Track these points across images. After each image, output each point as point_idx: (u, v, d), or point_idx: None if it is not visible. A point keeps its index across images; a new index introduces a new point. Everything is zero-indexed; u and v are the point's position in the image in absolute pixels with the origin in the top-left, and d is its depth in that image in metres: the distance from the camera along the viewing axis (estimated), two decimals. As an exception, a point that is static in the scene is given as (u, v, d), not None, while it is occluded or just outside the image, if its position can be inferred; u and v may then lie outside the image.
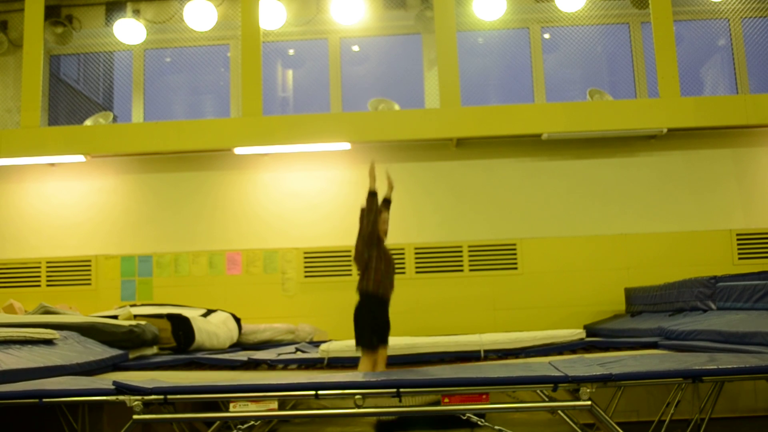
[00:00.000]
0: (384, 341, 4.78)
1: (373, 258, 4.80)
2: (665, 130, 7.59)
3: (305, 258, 7.84)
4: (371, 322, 4.73)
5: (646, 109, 7.63)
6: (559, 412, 3.56)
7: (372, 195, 4.91)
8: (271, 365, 5.31)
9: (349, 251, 7.73)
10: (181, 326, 6.15)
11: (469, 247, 7.82)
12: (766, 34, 8.54)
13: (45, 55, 8.30)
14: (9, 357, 4.06)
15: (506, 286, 7.71)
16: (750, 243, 7.69)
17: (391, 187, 5.13)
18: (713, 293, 5.48)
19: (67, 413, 3.98)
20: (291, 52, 9.07)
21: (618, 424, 3.17)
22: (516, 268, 7.76)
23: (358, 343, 4.74)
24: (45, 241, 8.03)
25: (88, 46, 8.96)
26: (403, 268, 7.75)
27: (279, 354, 5.75)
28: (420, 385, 3.18)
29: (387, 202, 5.09)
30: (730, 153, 7.91)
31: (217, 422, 3.68)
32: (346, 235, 7.94)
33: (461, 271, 7.78)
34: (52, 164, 8.08)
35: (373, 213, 4.85)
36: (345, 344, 5.52)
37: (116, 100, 9.23)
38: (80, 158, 7.90)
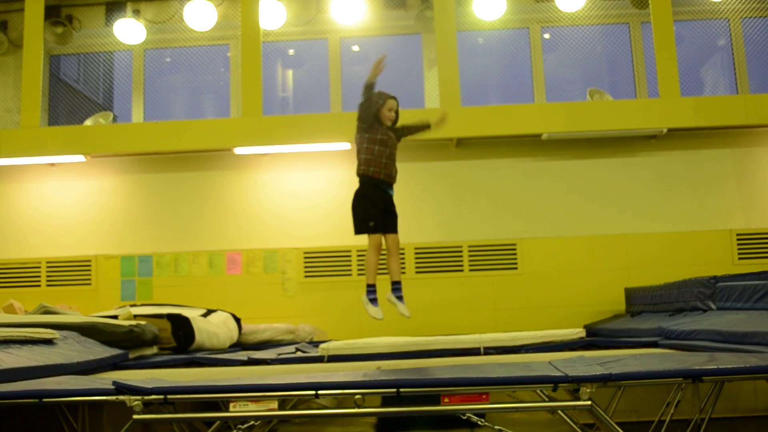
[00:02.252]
0: (387, 227, 4.75)
1: (365, 139, 4.77)
2: (665, 130, 7.59)
3: (305, 258, 7.83)
4: (365, 203, 4.77)
5: (646, 109, 7.63)
6: (559, 412, 3.56)
7: (369, 87, 4.81)
8: (271, 365, 5.31)
9: (349, 251, 7.78)
10: (181, 326, 6.15)
11: (469, 247, 7.82)
12: (766, 34, 8.54)
13: (45, 55, 8.30)
14: (9, 356, 4.06)
15: (506, 286, 7.70)
16: (750, 243, 7.69)
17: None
18: (713, 293, 5.48)
19: (67, 413, 3.98)
20: (291, 52, 9.07)
21: (618, 424, 3.17)
22: (516, 268, 7.76)
23: (356, 230, 4.78)
24: (45, 241, 8.03)
25: (88, 46, 8.96)
26: (403, 268, 7.75)
27: (279, 354, 5.75)
28: (420, 385, 3.18)
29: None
30: (730, 153, 7.91)
31: (217, 422, 3.68)
32: (346, 235, 7.90)
33: (461, 271, 7.78)
34: (52, 164, 8.08)
35: (368, 102, 4.75)
36: (345, 343, 5.53)
37: (116, 100, 9.23)
38: (80, 158, 7.90)
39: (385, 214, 4.74)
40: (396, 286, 4.92)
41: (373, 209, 4.73)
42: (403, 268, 7.73)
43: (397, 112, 4.92)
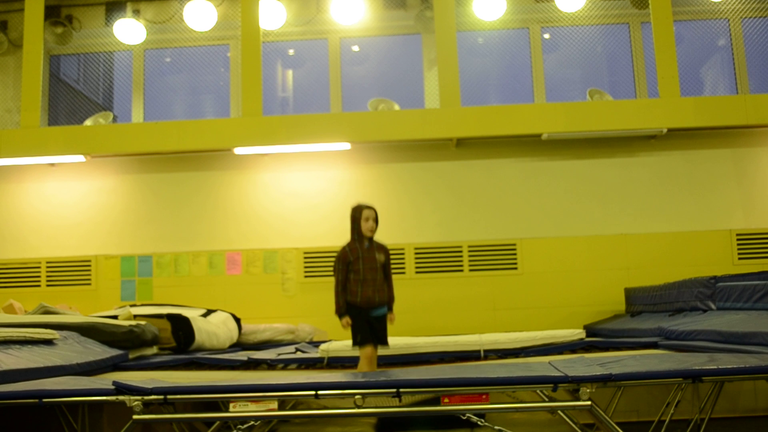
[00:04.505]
0: (372, 341, 4.83)
1: (340, 279, 4.96)
2: (665, 130, 7.59)
3: (305, 258, 7.84)
4: (353, 321, 4.93)
5: (646, 109, 7.63)
6: (559, 412, 3.56)
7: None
8: (271, 365, 5.31)
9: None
10: (181, 326, 6.15)
11: (469, 247, 7.82)
12: (766, 34, 8.54)
13: (45, 55, 8.30)
14: (9, 357, 4.06)
15: (506, 286, 7.70)
16: (750, 243, 7.69)
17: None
18: (713, 293, 5.48)
19: (67, 413, 3.98)
20: (291, 52, 9.07)
21: (618, 424, 3.17)
22: (516, 268, 7.76)
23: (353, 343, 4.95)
24: (45, 241, 8.03)
25: (88, 46, 8.96)
26: (403, 268, 7.75)
27: (279, 354, 5.75)
28: (420, 385, 3.18)
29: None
30: (730, 153, 7.91)
31: (217, 422, 3.68)
32: (346, 235, 7.93)
33: (461, 271, 7.78)
34: (52, 164, 8.08)
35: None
36: (345, 344, 5.53)
37: (116, 100, 9.23)
38: (80, 158, 7.90)
39: (371, 330, 4.81)
40: None
41: (360, 325, 4.82)
42: (404, 268, 7.74)
43: (376, 220, 4.95)
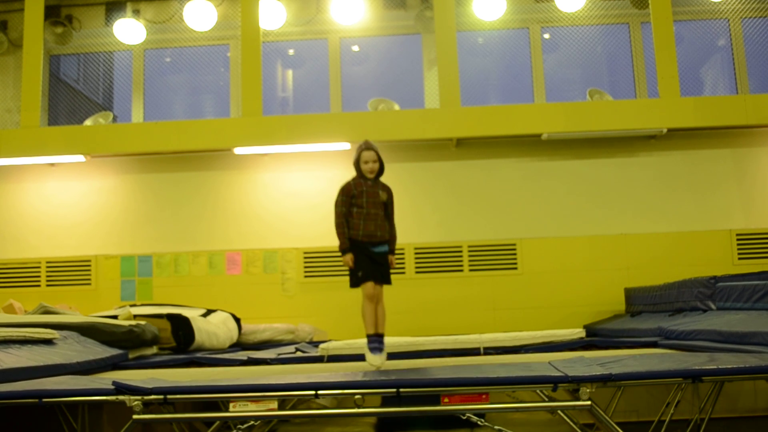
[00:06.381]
0: (377, 279, 4.63)
1: (342, 213, 4.84)
2: (665, 130, 7.59)
3: (305, 258, 7.83)
4: (355, 257, 4.71)
5: (646, 109, 7.63)
6: (559, 412, 3.56)
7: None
8: (270, 365, 5.31)
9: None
10: (181, 326, 6.15)
11: (469, 247, 7.82)
12: (766, 34, 8.54)
13: (45, 55, 8.30)
14: (9, 357, 4.06)
15: (506, 286, 7.70)
16: (750, 243, 7.69)
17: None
18: (713, 293, 5.48)
19: (67, 413, 3.98)
20: (291, 52, 9.07)
21: (618, 424, 3.17)
22: (516, 268, 7.76)
23: (350, 284, 4.72)
24: (45, 241, 8.02)
25: (88, 46, 8.96)
26: (403, 268, 7.75)
27: (279, 354, 5.75)
28: (420, 385, 3.18)
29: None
30: (730, 153, 7.91)
31: (217, 422, 3.68)
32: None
33: (461, 271, 7.78)
34: (52, 164, 8.08)
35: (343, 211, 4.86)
36: (345, 343, 5.54)
37: (116, 100, 9.23)
38: (80, 158, 7.90)
39: (373, 265, 4.67)
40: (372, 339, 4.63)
41: (361, 261, 4.68)
42: (404, 268, 7.74)
43: (379, 162, 4.87)
